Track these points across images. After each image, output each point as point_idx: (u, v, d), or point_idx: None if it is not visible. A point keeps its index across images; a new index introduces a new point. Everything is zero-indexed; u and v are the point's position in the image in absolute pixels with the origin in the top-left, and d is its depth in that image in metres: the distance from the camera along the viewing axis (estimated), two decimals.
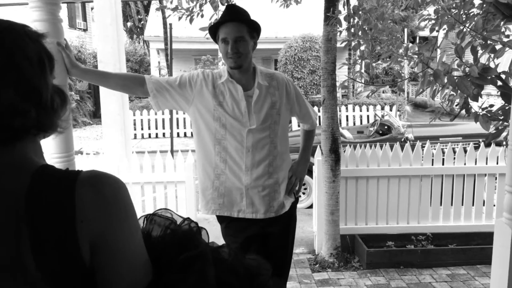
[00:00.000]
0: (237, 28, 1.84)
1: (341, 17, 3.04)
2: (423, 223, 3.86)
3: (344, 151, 3.79)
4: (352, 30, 2.83)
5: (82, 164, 3.59)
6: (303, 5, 4.61)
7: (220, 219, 2.01)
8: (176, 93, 1.90)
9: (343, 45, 2.86)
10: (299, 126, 2.38)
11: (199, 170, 2.02)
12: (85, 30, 17.32)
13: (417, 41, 19.05)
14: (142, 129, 11.86)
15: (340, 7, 3.53)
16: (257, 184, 1.92)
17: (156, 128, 11.90)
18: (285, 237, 2.10)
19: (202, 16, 3.67)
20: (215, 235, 1.29)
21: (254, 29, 1.90)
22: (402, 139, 5.61)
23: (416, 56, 2.22)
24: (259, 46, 2.04)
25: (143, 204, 3.88)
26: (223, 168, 1.92)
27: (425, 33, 18.67)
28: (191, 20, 3.73)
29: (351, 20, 2.82)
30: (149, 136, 11.88)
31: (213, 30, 1.91)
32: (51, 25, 1.52)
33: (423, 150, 3.86)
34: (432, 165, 3.83)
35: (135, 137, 11.64)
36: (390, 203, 3.85)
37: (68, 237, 0.69)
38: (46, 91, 0.75)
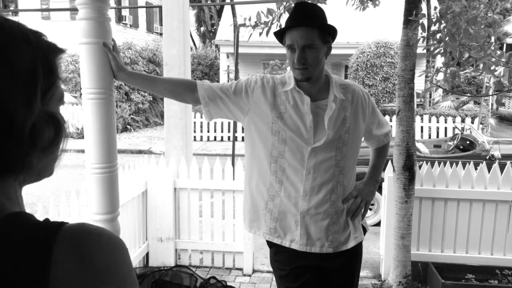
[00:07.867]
0: (305, 34, 1.53)
1: (425, 20, 2.71)
2: (510, 255, 3.37)
3: (420, 168, 3.41)
4: (439, 36, 2.49)
5: (142, 165, 3.60)
6: (377, 9, 4.25)
7: (270, 243, 1.78)
8: (230, 102, 1.68)
9: (423, 51, 2.54)
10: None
11: (251, 186, 1.76)
12: (161, 34, 18.08)
13: (504, 48, 17.51)
14: (208, 131, 12.03)
15: (424, 9, 3.17)
16: (316, 212, 1.65)
17: (222, 131, 12.02)
18: (346, 276, 1.79)
19: (279, 26, 3.47)
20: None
21: (328, 32, 1.59)
22: (487, 157, 5.01)
23: None
24: None
25: (201, 209, 3.81)
26: (278, 190, 1.68)
27: None
28: (267, 33, 3.54)
29: (438, 24, 2.48)
30: (215, 139, 12.02)
31: (280, 33, 1.63)
32: (97, 24, 1.41)
33: None
34: None
35: (201, 139, 11.87)
36: (471, 229, 3.40)
37: None
38: (26, 116, 0.56)
